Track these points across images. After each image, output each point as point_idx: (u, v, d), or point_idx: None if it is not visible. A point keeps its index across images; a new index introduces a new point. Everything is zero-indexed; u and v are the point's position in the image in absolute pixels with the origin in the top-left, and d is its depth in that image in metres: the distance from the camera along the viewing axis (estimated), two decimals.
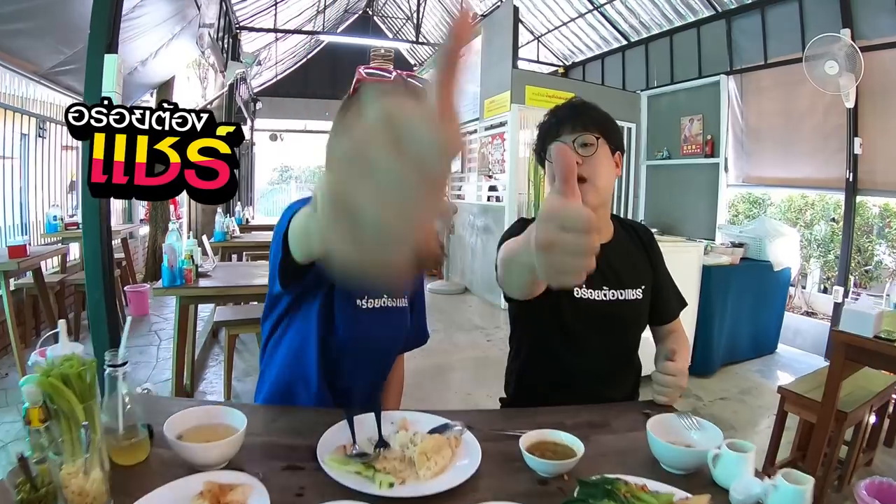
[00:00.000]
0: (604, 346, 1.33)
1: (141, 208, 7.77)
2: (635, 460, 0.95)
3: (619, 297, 1.32)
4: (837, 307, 4.62)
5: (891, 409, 3.01)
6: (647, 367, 1.37)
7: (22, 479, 0.74)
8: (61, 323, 0.88)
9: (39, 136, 5.01)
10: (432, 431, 0.97)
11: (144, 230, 7.31)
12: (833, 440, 2.39)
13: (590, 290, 1.29)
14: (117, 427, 0.85)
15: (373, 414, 1.01)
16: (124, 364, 0.86)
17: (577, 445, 0.92)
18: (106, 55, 1.84)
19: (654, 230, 1.60)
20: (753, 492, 0.82)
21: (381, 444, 0.94)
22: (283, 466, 0.88)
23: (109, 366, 0.85)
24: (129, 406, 0.87)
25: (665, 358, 1.26)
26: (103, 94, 1.81)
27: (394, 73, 1.13)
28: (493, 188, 6.84)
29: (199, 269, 2.78)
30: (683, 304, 1.49)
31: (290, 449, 0.94)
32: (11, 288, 3.35)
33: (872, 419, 2.75)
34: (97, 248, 1.80)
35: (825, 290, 5.38)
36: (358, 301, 1.18)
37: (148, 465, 0.88)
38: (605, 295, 1.31)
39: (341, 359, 1.19)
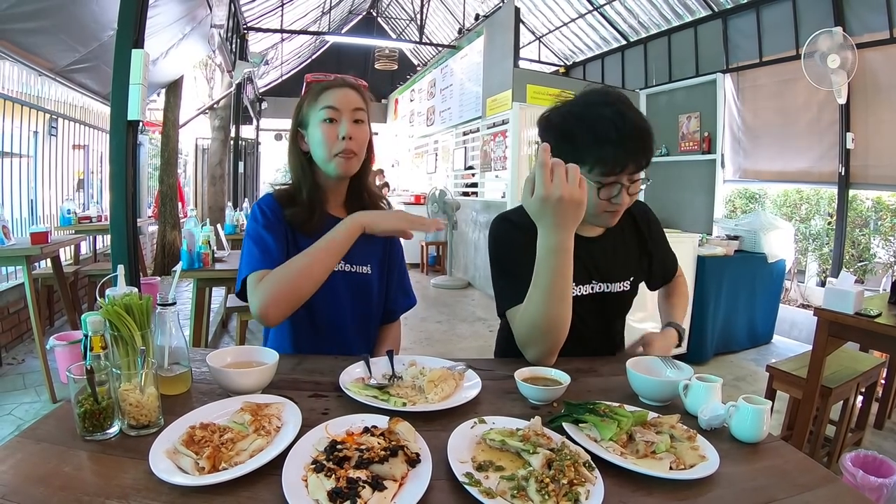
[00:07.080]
0: (590, 331, 1.36)
1: (147, 208, 7.92)
2: (617, 396, 1.07)
3: (606, 290, 1.35)
4: None
5: (879, 391, 3.10)
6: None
7: (86, 394, 0.84)
8: (120, 267, 1.01)
9: (50, 134, 5.16)
10: None
11: (152, 228, 7.45)
12: (819, 417, 2.48)
13: (579, 287, 1.30)
14: (164, 360, 0.98)
15: (386, 357, 1.14)
16: (173, 304, 0.99)
17: (565, 378, 1.04)
18: (133, 50, 1.98)
19: None
20: (718, 413, 0.94)
21: (394, 377, 1.07)
22: (309, 395, 1.01)
23: (160, 305, 0.98)
24: (175, 342, 0.99)
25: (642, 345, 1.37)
26: (131, 85, 1.95)
27: (333, 76, 1.33)
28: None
29: (215, 255, 2.92)
30: (676, 263, 1.61)
31: (315, 383, 1.07)
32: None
33: (860, 400, 2.85)
34: (123, 223, 1.93)
35: (823, 284, 5.46)
36: None
37: (189, 394, 1.00)
38: (592, 288, 1.34)
39: (314, 325, 1.32)
